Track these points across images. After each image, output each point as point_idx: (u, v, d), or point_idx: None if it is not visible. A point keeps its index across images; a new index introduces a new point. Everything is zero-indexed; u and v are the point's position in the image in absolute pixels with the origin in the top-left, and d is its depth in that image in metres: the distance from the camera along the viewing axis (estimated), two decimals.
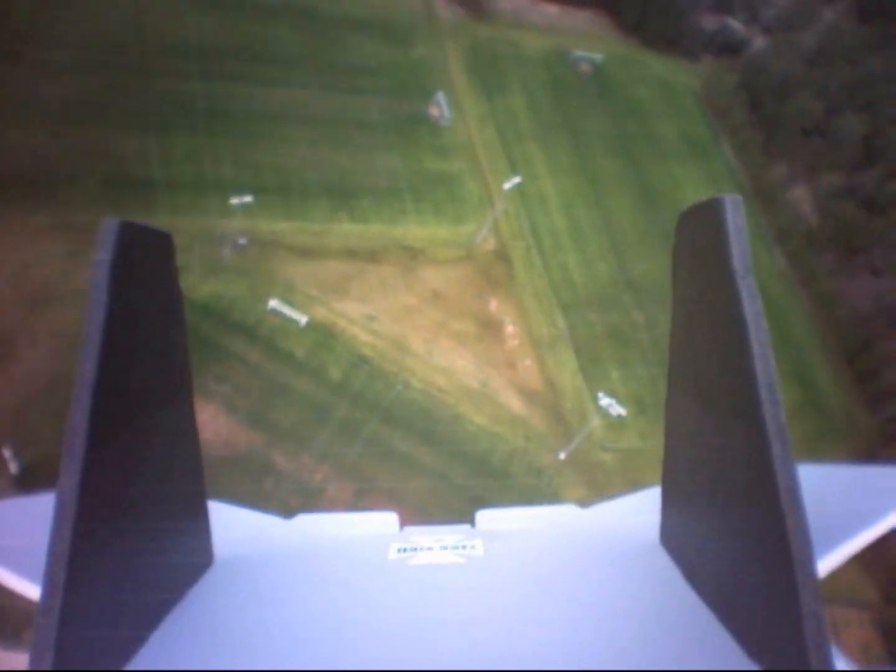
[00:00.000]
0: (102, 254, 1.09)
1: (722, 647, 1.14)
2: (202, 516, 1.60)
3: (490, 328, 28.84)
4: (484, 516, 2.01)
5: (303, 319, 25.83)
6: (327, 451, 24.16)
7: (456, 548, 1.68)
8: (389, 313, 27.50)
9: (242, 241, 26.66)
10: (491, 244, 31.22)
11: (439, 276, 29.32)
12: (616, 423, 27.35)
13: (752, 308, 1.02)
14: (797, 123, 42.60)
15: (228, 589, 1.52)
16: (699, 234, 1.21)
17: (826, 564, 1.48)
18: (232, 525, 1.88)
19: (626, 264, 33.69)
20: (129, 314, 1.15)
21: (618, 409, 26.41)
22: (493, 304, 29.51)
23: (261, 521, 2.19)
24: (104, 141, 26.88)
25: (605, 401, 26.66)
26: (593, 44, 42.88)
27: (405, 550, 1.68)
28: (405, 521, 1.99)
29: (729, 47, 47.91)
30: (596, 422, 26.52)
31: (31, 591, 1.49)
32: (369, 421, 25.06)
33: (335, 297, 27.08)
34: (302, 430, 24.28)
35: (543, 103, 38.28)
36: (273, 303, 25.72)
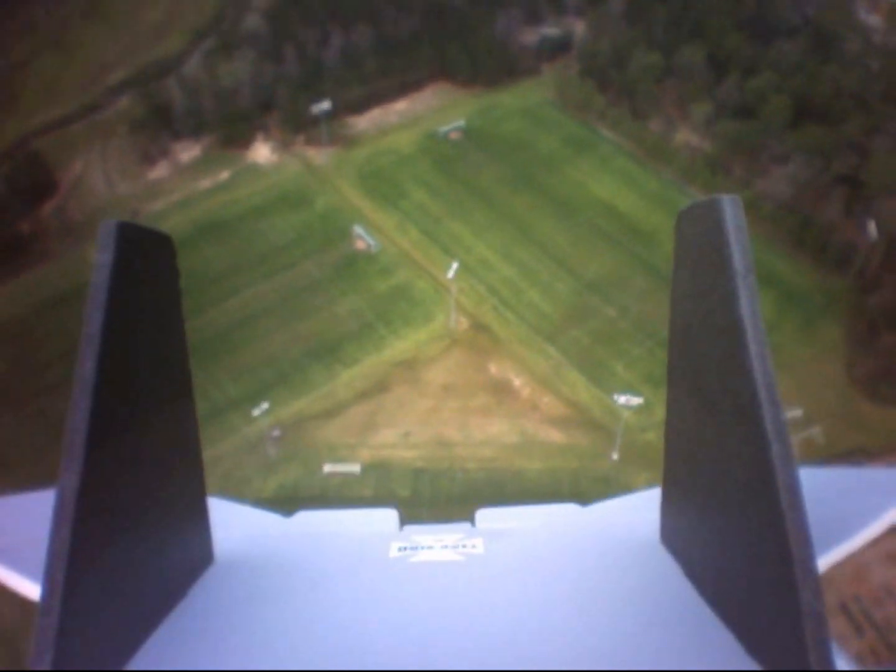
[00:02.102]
0: (102, 255, 1.09)
1: (722, 645, 1.13)
2: (202, 515, 1.60)
3: (501, 389, 32.29)
4: (484, 515, 2.02)
5: (356, 468, 29.25)
6: None
7: (456, 546, 1.68)
8: (418, 423, 30.96)
9: (276, 433, 30.27)
10: (464, 323, 34.88)
11: (440, 371, 32.89)
12: (644, 406, 30.63)
13: (750, 307, 1.03)
14: (647, 78, 46.80)
15: (229, 588, 1.53)
16: (698, 234, 1.19)
17: (826, 563, 1.49)
18: (232, 523, 1.92)
19: (578, 273, 37.32)
20: (130, 315, 1.16)
21: (635, 400, 29.69)
22: (493, 369, 33.03)
23: (261, 518, 2.23)
24: None
25: (621, 399, 29.95)
26: (450, 113, 47.21)
27: (405, 549, 1.68)
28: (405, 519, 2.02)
29: (559, 47, 52.33)
30: (625, 415, 29.81)
31: (31, 590, 1.49)
32: (452, 512, 28.26)
33: (370, 435, 30.56)
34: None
35: (440, 184, 42.34)
36: (327, 467, 29.16)
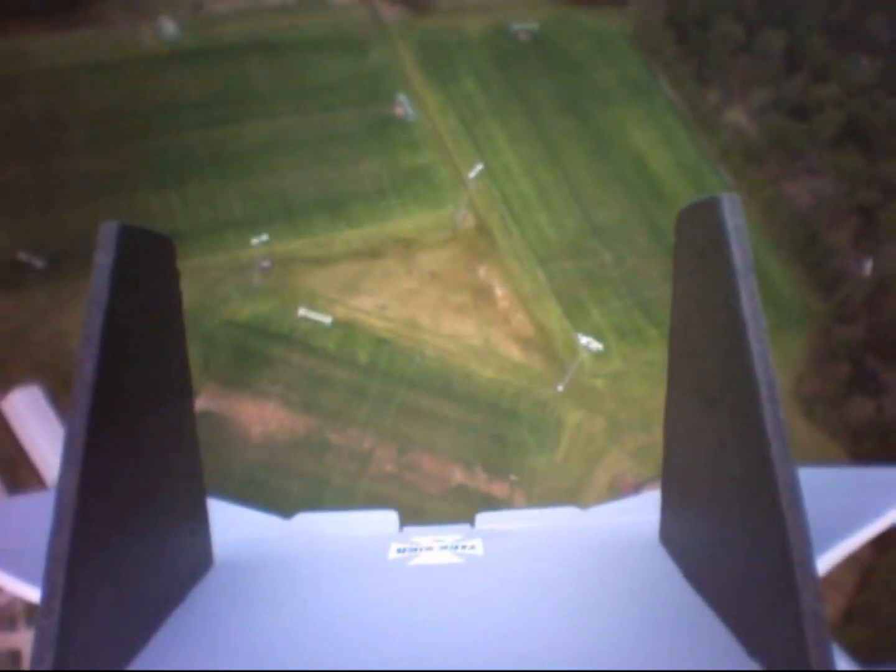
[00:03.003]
0: (103, 256, 1.09)
1: (722, 646, 1.13)
2: (202, 517, 1.59)
3: (482, 294, 34.02)
4: (484, 518, 2.00)
5: (327, 320, 31.05)
6: (368, 421, 29.67)
7: (455, 548, 1.68)
8: (397, 299, 32.70)
9: (266, 263, 31.80)
10: (470, 221, 36.16)
11: (433, 258, 34.41)
12: (603, 354, 32.66)
13: (751, 307, 1.02)
14: (723, 48, 46.81)
15: (229, 590, 1.52)
16: (698, 233, 1.19)
17: (826, 563, 1.48)
18: (232, 525, 1.92)
19: (590, 212, 38.51)
20: (130, 316, 1.15)
21: (595, 345, 31.68)
22: (482, 273, 34.62)
23: (261, 520, 2.22)
24: (131, 205, 31.83)
25: (584, 340, 31.89)
26: (528, 12, 46.77)
27: (405, 551, 1.67)
28: (406, 519, 2.01)
29: None
30: (583, 355, 31.83)
31: (31, 592, 1.49)
32: (398, 391, 30.43)
33: (350, 295, 32.26)
34: (346, 409, 29.68)
35: (493, 80, 42.61)
36: (301, 311, 30.94)
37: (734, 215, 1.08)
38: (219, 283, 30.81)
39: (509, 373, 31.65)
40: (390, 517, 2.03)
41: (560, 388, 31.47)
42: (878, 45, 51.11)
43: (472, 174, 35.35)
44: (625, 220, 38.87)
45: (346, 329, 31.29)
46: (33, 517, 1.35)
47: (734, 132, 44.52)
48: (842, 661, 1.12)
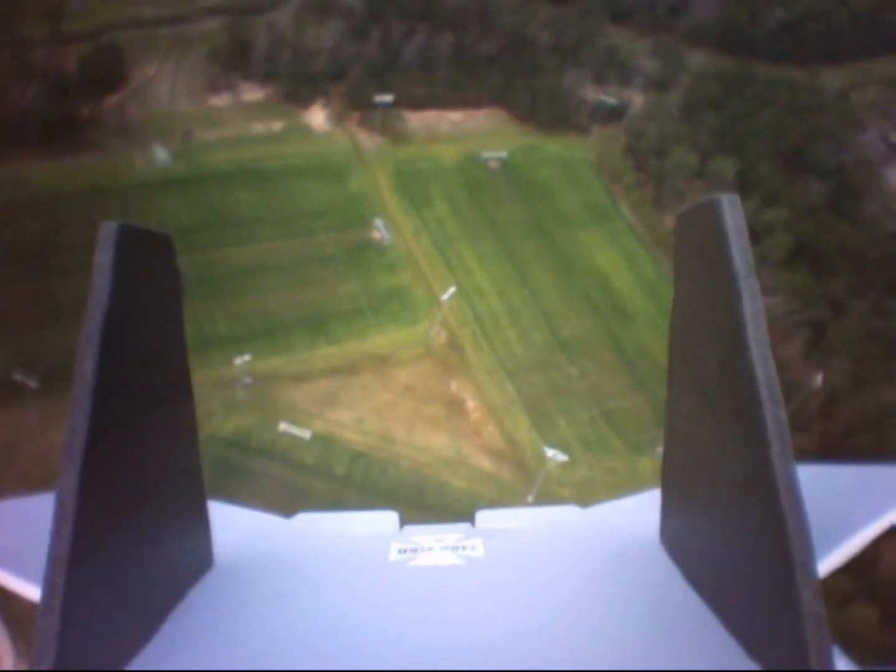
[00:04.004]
0: (102, 256, 1.09)
1: (722, 646, 1.12)
2: (202, 517, 1.60)
3: (454, 407, 35.81)
4: (484, 517, 2.00)
5: (307, 434, 32.59)
6: None
7: (456, 548, 1.67)
8: (373, 412, 34.37)
9: (248, 380, 33.49)
10: (443, 337, 38.31)
11: (407, 373, 36.30)
12: (569, 463, 34.29)
13: (752, 308, 1.01)
14: (679, 175, 50.38)
15: (229, 590, 1.51)
16: (698, 235, 1.19)
17: (826, 564, 1.47)
18: (232, 525, 1.90)
19: (556, 328, 40.82)
20: (129, 315, 1.15)
21: (561, 457, 33.39)
22: (454, 387, 36.49)
23: (261, 520, 2.20)
24: None
25: (549, 452, 33.59)
26: (497, 140, 50.29)
27: (405, 551, 1.67)
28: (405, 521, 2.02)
29: (612, 115, 55.67)
30: (549, 465, 33.46)
31: (32, 592, 1.48)
32: (374, 502, 31.67)
33: (329, 409, 33.90)
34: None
35: (464, 205, 45.61)
36: (282, 425, 32.48)
37: (735, 216, 1.08)
38: (203, 399, 32.24)
39: (481, 483, 33.11)
40: (391, 518, 2.04)
41: (530, 498, 32.89)
42: (825, 170, 55.13)
43: (445, 296, 37.62)
44: (589, 336, 41.18)
45: (325, 442, 32.79)
46: (34, 517, 1.34)
47: None
48: (841, 661, 1.09)
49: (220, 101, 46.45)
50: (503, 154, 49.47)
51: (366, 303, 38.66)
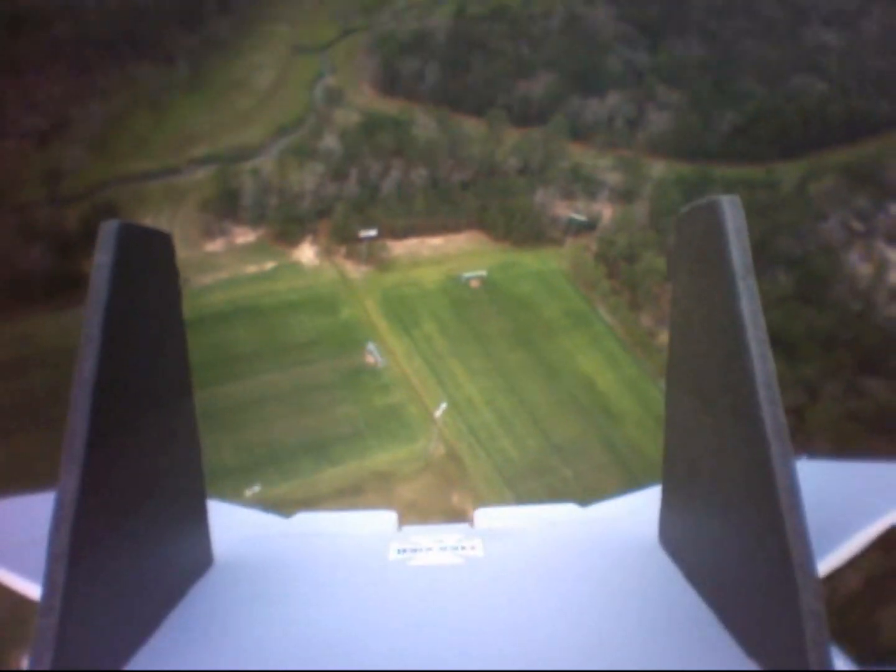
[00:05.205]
0: (102, 255, 1.11)
1: (722, 646, 1.13)
2: (202, 516, 1.61)
3: (457, 518, 37.15)
4: (483, 515, 2.05)
5: None
6: None
7: (455, 548, 1.69)
8: None
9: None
10: (441, 450, 40.03)
11: (409, 489, 37.81)
12: None
13: (750, 308, 1.02)
14: (650, 278, 53.19)
15: (228, 589, 1.53)
16: (698, 235, 1.21)
17: (827, 564, 1.50)
18: (231, 524, 1.95)
19: (548, 433, 42.58)
20: (129, 315, 1.17)
21: None
22: (455, 498, 37.98)
23: (260, 519, 2.26)
24: None
25: None
26: (476, 260, 53.26)
27: (405, 551, 1.69)
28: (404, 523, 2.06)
29: (584, 228, 58.97)
30: None
31: (31, 590, 1.52)
32: None
33: None
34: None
35: (450, 323, 48.13)
36: None
37: (734, 217, 1.09)
38: None
39: None
40: (389, 517, 2.05)
41: None
42: (790, 260, 58.08)
43: (438, 412, 39.53)
44: (581, 437, 42.91)
45: None
46: (34, 517, 1.34)
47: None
48: (840, 661, 1.10)
49: (215, 245, 49.51)
50: (483, 272, 52.32)
51: (364, 424, 40.54)
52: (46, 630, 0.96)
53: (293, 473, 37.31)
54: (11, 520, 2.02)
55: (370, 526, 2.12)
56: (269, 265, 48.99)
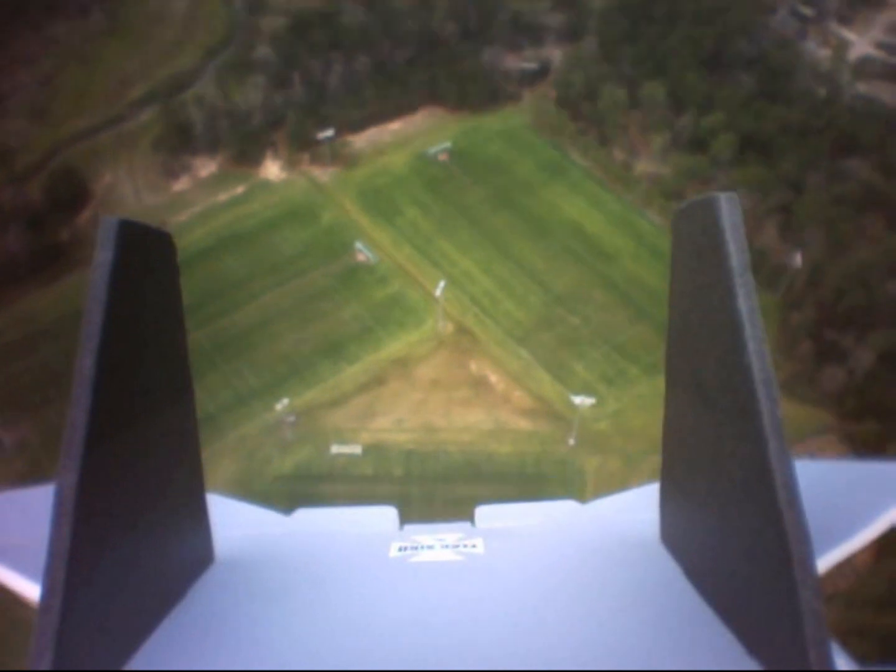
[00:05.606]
0: (102, 253, 1.09)
1: (722, 645, 1.13)
2: (202, 514, 1.61)
3: (480, 384, 38.48)
4: (483, 512, 2.04)
5: (358, 449, 35.33)
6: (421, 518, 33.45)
7: (456, 546, 1.69)
8: (410, 412, 37.07)
9: (291, 419, 36.23)
10: (450, 327, 41.01)
11: (428, 369, 39.00)
12: (597, 402, 36.90)
13: (748, 305, 1.02)
14: (614, 111, 52.73)
15: (229, 587, 1.54)
16: (695, 232, 1.20)
17: (826, 562, 1.49)
18: (231, 521, 1.93)
19: (548, 287, 43.39)
20: (129, 313, 1.16)
21: (588, 401, 35.99)
22: (474, 367, 39.19)
23: (260, 516, 2.29)
24: None
25: (577, 399, 36.19)
26: (438, 135, 52.71)
27: (405, 549, 1.69)
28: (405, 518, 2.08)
29: (538, 76, 57.98)
30: (581, 410, 36.11)
31: (30, 589, 1.51)
32: (436, 489, 34.37)
33: (369, 421, 36.64)
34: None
35: (430, 203, 48.14)
36: (334, 448, 35.23)
37: (731, 214, 1.09)
38: (257, 448, 35.18)
39: (524, 443, 35.80)
40: (390, 513, 2.09)
41: (571, 441, 35.56)
42: (749, 60, 57.28)
43: (437, 291, 40.24)
44: (580, 284, 43.74)
45: (376, 451, 35.51)
46: (33, 512, 1.32)
47: (648, 179, 49.90)
48: (841, 660, 1.10)
49: (181, 184, 49.09)
50: (448, 144, 51.91)
51: (371, 319, 41.40)
52: (46, 629, 0.96)
53: (315, 380, 38.42)
54: (10, 516, 1.96)
55: (371, 521, 2.15)
56: (239, 189, 48.69)
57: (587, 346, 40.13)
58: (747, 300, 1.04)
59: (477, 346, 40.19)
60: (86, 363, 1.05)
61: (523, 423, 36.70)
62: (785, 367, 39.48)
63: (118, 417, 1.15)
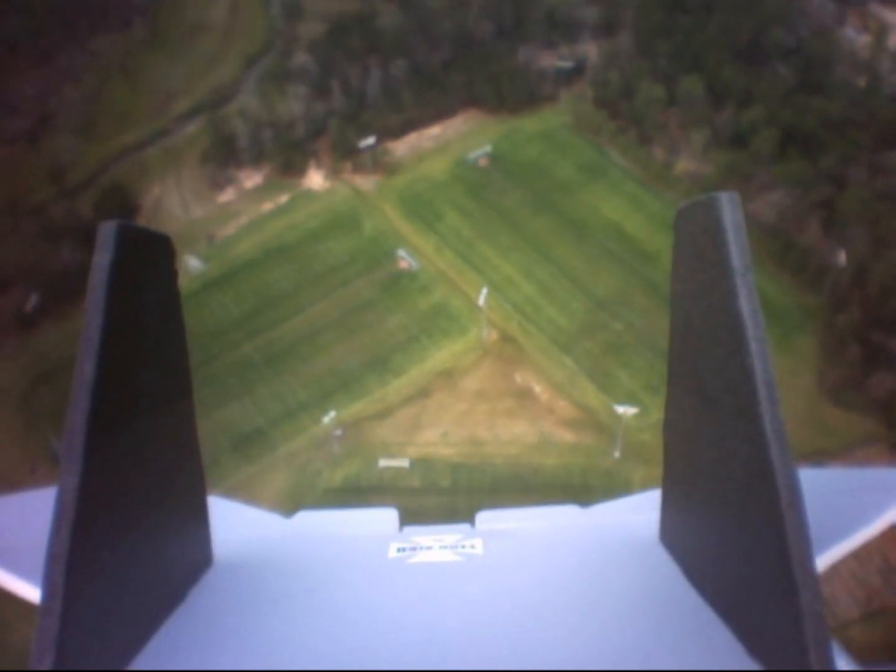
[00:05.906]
0: (102, 256, 1.10)
1: (723, 646, 1.13)
2: (202, 516, 1.63)
3: (524, 395, 38.93)
4: (484, 517, 2.04)
5: (406, 462, 36.09)
6: None
7: (455, 547, 1.70)
8: (455, 424, 37.71)
9: (339, 432, 37.11)
10: (494, 335, 41.49)
11: (473, 379, 39.56)
12: (642, 412, 37.12)
13: (749, 305, 1.02)
14: (652, 109, 52.36)
15: (229, 588, 1.55)
16: (696, 232, 1.21)
17: (825, 562, 1.50)
18: (232, 523, 1.94)
19: (590, 292, 43.57)
20: (129, 316, 1.17)
21: (632, 410, 36.15)
22: (518, 378, 39.67)
23: (261, 518, 2.28)
24: (218, 421, 37.41)
25: (620, 409, 36.41)
26: (478, 138, 52.94)
27: (405, 550, 1.70)
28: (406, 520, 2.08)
29: (575, 74, 57.67)
30: (625, 419, 36.38)
31: (30, 591, 1.52)
32: (483, 501, 35.03)
33: (416, 434, 37.35)
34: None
35: (470, 208, 48.47)
36: (382, 462, 36.03)
37: (733, 214, 1.09)
38: (307, 462, 36.15)
39: (569, 455, 36.24)
40: (390, 515, 2.07)
41: (616, 453, 35.89)
42: (788, 50, 56.36)
43: (480, 299, 40.70)
44: (622, 288, 43.83)
45: (424, 464, 36.22)
46: (34, 515, 1.31)
47: (689, 176, 49.60)
48: (841, 660, 1.11)
49: (226, 195, 50.14)
50: (488, 148, 52.09)
51: (415, 328, 42.06)
52: (47, 630, 0.97)
53: (362, 392, 39.23)
54: (11, 518, 1.99)
55: (371, 524, 2.15)
56: (283, 199, 49.57)
57: (631, 353, 40.28)
58: (749, 300, 1.06)
59: (521, 354, 40.62)
60: (85, 367, 1.09)
61: (567, 435, 37.08)
62: (832, 373, 39.25)
63: (118, 420, 1.18)
